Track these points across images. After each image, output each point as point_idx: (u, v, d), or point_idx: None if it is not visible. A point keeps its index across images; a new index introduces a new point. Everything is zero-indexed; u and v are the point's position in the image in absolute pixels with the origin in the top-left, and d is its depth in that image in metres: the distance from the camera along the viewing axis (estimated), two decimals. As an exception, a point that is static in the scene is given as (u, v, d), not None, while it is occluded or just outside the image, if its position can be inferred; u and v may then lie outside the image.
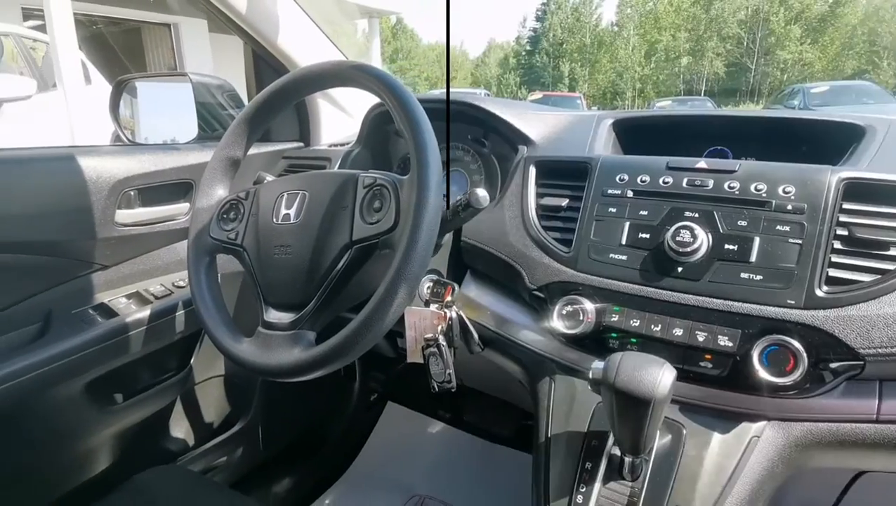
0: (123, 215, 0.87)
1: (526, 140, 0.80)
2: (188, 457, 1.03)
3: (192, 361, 1.00)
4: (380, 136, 0.99)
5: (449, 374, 0.72)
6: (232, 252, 0.71)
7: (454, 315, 0.72)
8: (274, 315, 0.66)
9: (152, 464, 0.79)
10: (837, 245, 0.54)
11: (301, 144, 1.14)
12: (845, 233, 0.54)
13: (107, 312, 0.85)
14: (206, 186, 0.74)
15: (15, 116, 3.40)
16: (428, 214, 0.55)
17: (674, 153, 0.69)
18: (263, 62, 1.01)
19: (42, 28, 4.04)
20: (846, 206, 0.55)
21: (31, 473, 0.81)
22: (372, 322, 0.55)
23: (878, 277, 0.51)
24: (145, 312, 0.87)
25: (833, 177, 0.55)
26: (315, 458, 1.26)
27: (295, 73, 0.69)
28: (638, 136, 0.83)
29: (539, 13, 40.46)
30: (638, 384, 0.47)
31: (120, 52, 10.39)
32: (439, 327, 0.72)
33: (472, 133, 0.90)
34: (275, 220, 0.67)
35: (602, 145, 0.77)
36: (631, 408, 0.47)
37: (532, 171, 0.74)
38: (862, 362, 0.50)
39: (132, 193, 0.88)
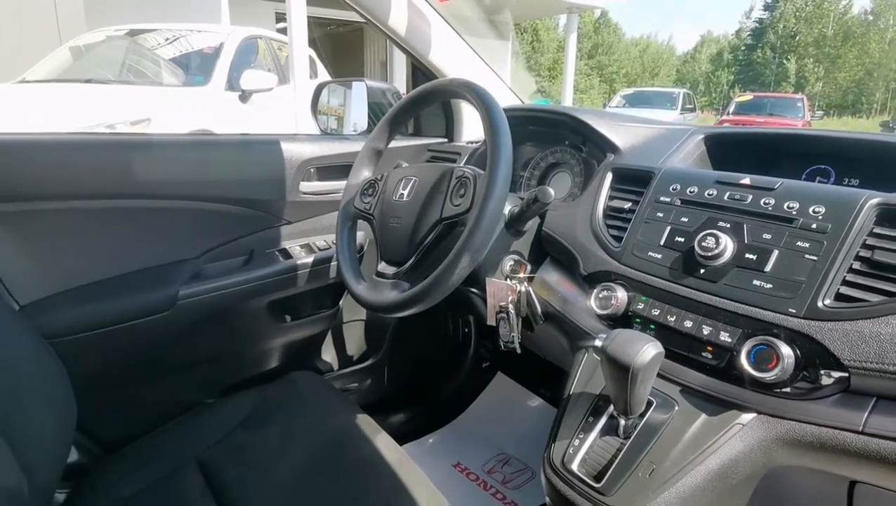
0: (305, 186, 1.19)
1: (614, 148, 0.90)
2: (330, 376, 1.34)
3: (340, 302, 1.30)
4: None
5: (513, 336, 0.88)
6: (365, 219, 0.96)
7: (523, 290, 0.87)
8: (383, 267, 0.88)
9: None
10: (857, 266, 0.56)
11: (445, 140, 1.36)
12: (868, 255, 0.56)
13: (286, 254, 1.17)
14: (356, 168, 0.99)
15: (261, 105, 4.28)
16: (491, 202, 0.72)
17: (769, 170, 0.74)
18: (419, 71, 1.25)
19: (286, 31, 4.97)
20: (877, 230, 0.57)
21: (223, 356, 1.16)
22: (441, 280, 0.74)
23: (885, 298, 0.53)
24: (311, 259, 1.18)
25: (867, 201, 0.58)
26: (427, 404, 1.50)
27: (417, 90, 0.90)
28: (732, 151, 0.87)
29: (769, 1, 35.72)
30: (623, 354, 0.58)
31: (344, 49, 12.01)
32: (510, 298, 0.88)
33: (571, 140, 1.02)
34: (394, 197, 0.89)
35: (681, 158, 0.84)
36: (616, 372, 0.59)
37: (609, 176, 0.85)
38: (847, 375, 0.53)
39: (312, 170, 1.19)
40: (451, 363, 1.57)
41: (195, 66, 4.38)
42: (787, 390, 0.57)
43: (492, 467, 1.36)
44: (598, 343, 0.62)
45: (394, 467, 0.82)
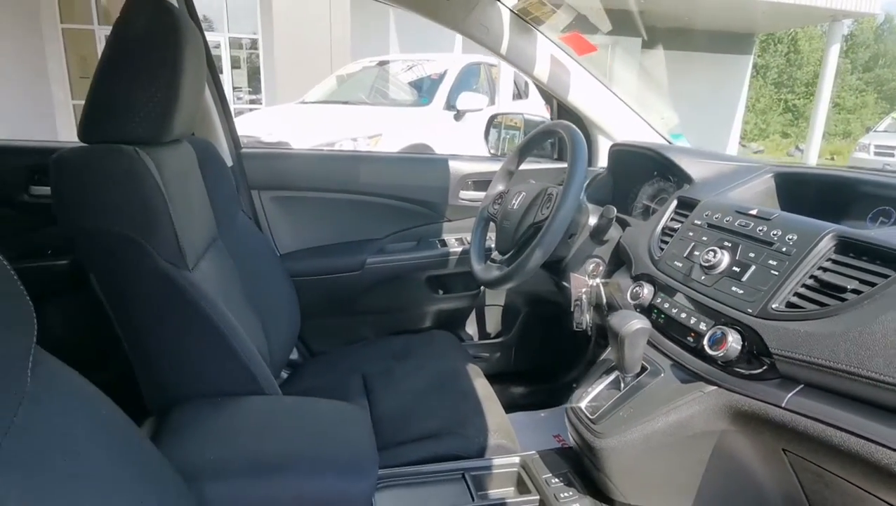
0: (463, 194, 1.58)
1: (689, 180, 1.09)
2: (467, 344, 1.71)
3: (482, 287, 1.67)
4: (619, 166, 1.39)
5: (582, 321, 1.13)
6: (492, 221, 1.30)
7: (594, 284, 1.12)
8: (495, 255, 1.22)
9: None
10: (809, 282, 0.71)
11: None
12: (820, 274, 0.71)
13: (443, 243, 1.58)
14: (493, 183, 1.35)
15: (472, 123, 4.91)
16: (560, 215, 1.00)
17: (835, 210, 0.87)
18: (561, 107, 1.54)
19: (503, 59, 5.54)
20: (833, 256, 0.71)
21: (391, 310, 1.61)
22: (521, 266, 1.05)
23: (818, 308, 0.68)
24: (460, 249, 1.56)
25: (827, 233, 0.72)
26: (545, 384, 1.76)
27: (534, 131, 1.22)
28: (800, 190, 0.99)
29: None
30: (617, 325, 0.82)
31: (564, 68, 12.34)
32: (584, 291, 1.13)
33: (661, 171, 1.22)
34: (509, 206, 1.22)
35: (744, 192, 0.99)
36: (612, 338, 0.83)
37: (674, 202, 1.05)
38: (771, 360, 0.70)
39: (469, 182, 1.58)
40: (572, 353, 1.81)
41: (424, 89, 5.22)
42: (741, 370, 0.75)
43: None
44: (610, 320, 0.87)
45: (483, 401, 1.14)
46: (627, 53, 11.55)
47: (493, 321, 1.75)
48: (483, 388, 1.20)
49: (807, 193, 0.98)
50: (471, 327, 1.75)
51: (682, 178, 1.11)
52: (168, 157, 0.88)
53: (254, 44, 9.03)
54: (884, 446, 0.58)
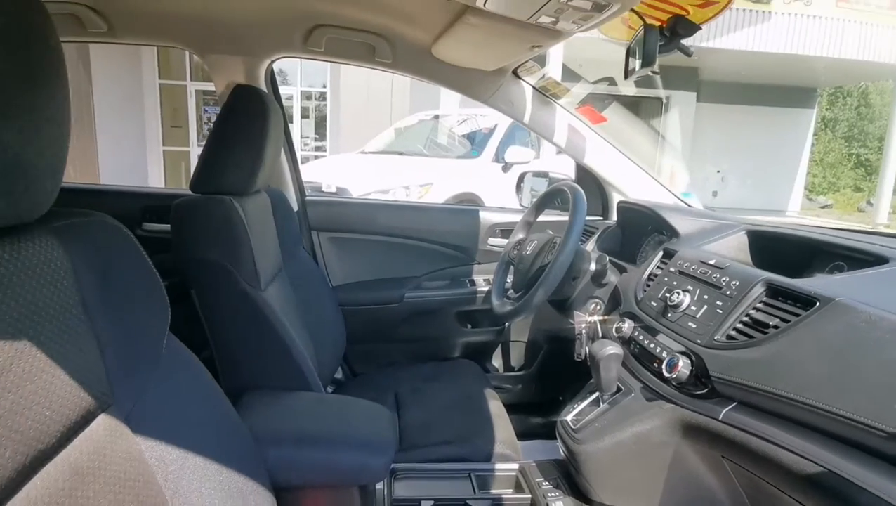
0: (492, 240, 1.81)
1: (675, 233, 1.27)
2: (491, 375, 1.89)
3: (506, 324, 1.86)
4: (626, 221, 1.58)
5: (582, 352, 1.30)
6: (511, 264, 1.51)
7: (591, 320, 1.29)
8: (511, 293, 1.43)
9: None
10: (745, 319, 0.88)
11: (600, 218, 1.82)
12: (752, 312, 0.87)
13: (472, 283, 1.80)
14: (514, 232, 1.56)
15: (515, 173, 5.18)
16: (559, 260, 1.20)
17: (801, 264, 1.03)
18: (579, 167, 1.76)
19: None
20: (765, 299, 0.88)
21: (425, 339, 1.82)
22: (528, 302, 1.25)
23: (747, 339, 0.85)
24: (486, 288, 1.77)
25: (760, 280, 0.89)
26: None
27: (544, 192, 1.43)
28: (770, 246, 1.15)
29: None
30: (594, 351, 1.01)
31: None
32: (584, 326, 1.31)
33: (655, 225, 1.39)
34: (524, 252, 1.43)
35: (720, 246, 1.16)
36: (593, 362, 1.02)
37: (660, 253, 1.23)
38: (711, 382, 0.86)
39: (497, 230, 1.80)
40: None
41: (476, 142, 5.56)
42: (691, 389, 0.91)
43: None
44: (590, 348, 1.05)
45: (494, 418, 1.32)
46: (682, 107, 11.65)
47: (517, 355, 1.93)
48: (497, 408, 1.39)
49: (776, 248, 1.14)
50: (497, 360, 1.94)
51: (671, 232, 1.29)
52: (251, 204, 1.17)
53: (322, 95, 9.81)
54: (794, 452, 0.74)
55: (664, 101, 11.81)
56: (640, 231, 1.52)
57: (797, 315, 0.81)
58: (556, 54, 5.49)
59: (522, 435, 1.38)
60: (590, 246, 1.58)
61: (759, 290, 0.90)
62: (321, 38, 1.42)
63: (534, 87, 1.57)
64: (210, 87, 9.26)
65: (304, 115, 10.22)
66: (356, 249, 1.78)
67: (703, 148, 11.98)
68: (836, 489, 0.67)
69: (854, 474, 0.65)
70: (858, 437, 0.66)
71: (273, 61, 1.53)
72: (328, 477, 0.90)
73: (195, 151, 9.09)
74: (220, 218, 1.05)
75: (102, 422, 0.59)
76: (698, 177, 11.68)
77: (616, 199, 1.76)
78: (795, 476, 0.74)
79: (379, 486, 1.06)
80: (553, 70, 5.18)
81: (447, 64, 1.45)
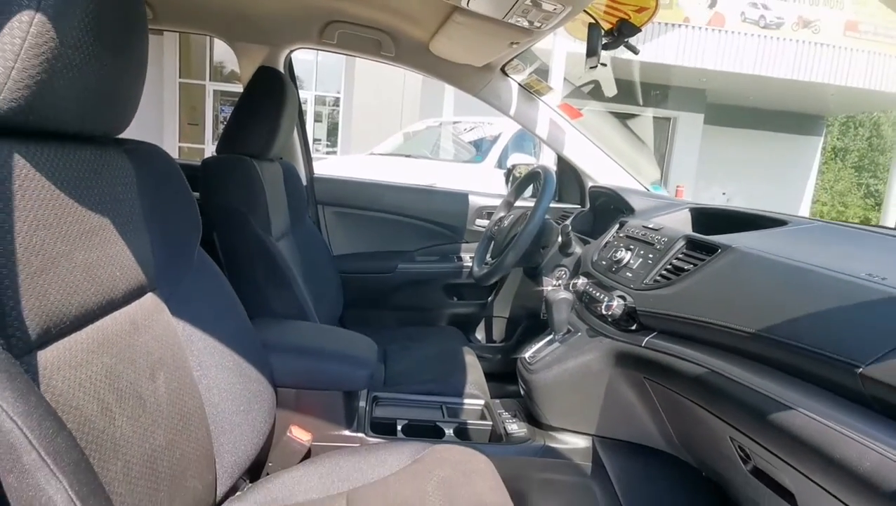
0: (478, 221, 2.00)
1: (632, 210, 1.46)
2: (474, 344, 2.07)
3: (489, 298, 2.05)
4: (596, 203, 1.77)
5: (544, 312, 1.49)
6: (492, 238, 1.70)
7: (555, 283, 1.48)
8: (488, 259, 1.62)
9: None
10: (668, 266, 1.07)
11: (579, 207, 2.01)
12: (675, 261, 1.06)
13: (459, 259, 1.99)
14: (496, 211, 1.76)
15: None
16: (528, 228, 1.39)
17: (724, 233, 1.22)
18: (560, 160, 1.95)
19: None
20: (685, 250, 1.06)
21: (415, 308, 2.02)
22: (500, 266, 1.44)
23: (667, 281, 1.03)
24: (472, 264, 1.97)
25: (682, 235, 1.08)
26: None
27: (524, 175, 1.63)
28: (708, 220, 1.34)
29: None
30: (548, 296, 1.20)
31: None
32: (550, 289, 1.50)
33: (617, 205, 1.59)
34: (502, 226, 1.62)
35: (665, 219, 1.35)
36: (546, 305, 1.21)
37: (617, 225, 1.42)
38: (638, 317, 1.04)
39: (484, 212, 2.00)
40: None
41: (482, 149, 5.78)
42: (623, 325, 1.10)
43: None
44: (545, 293, 1.24)
45: (469, 368, 1.50)
46: (689, 127, 11.85)
47: (499, 329, 2.11)
48: (472, 361, 1.57)
49: (711, 222, 1.32)
50: (479, 333, 2.13)
51: (629, 209, 1.49)
52: (267, 169, 1.37)
53: (336, 102, 10.10)
54: (690, 361, 0.92)
55: (671, 122, 12.02)
56: (609, 215, 1.72)
57: (703, 259, 1.00)
58: (558, 71, 5.73)
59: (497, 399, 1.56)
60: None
61: (680, 243, 1.09)
62: (334, 32, 1.63)
63: (519, 84, 1.78)
64: (228, 87, 9.59)
65: (318, 119, 10.52)
66: (357, 224, 1.98)
67: (710, 169, 12.15)
68: (716, 385, 0.86)
69: (730, 372, 0.84)
70: (734, 342, 0.85)
71: (292, 51, 1.75)
72: (318, 382, 1.09)
73: (210, 148, 9.40)
74: (241, 172, 1.26)
75: (150, 299, 0.79)
76: (704, 197, 11.83)
77: (589, 186, 1.96)
78: (691, 381, 0.92)
79: (362, 403, 1.25)
80: (555, 83, 5.40)
81: (443, 59, 1.66)
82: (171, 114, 9.03)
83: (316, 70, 9.86)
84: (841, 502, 0.65)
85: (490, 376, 1.63)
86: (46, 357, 0.57)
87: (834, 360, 0.66)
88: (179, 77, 9.14)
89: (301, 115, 1.83)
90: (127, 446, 0.65)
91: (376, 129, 7.57)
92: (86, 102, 0.62)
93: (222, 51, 9.38)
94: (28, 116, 0.54)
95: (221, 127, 9.63)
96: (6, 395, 0.45)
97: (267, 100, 1.35)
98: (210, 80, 9.43)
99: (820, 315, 0.72)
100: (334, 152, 10.08)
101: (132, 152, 0.79)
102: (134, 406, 0.68)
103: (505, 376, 2.09)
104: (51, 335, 0.58)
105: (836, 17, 9.66)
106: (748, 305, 0.84)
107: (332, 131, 10.29)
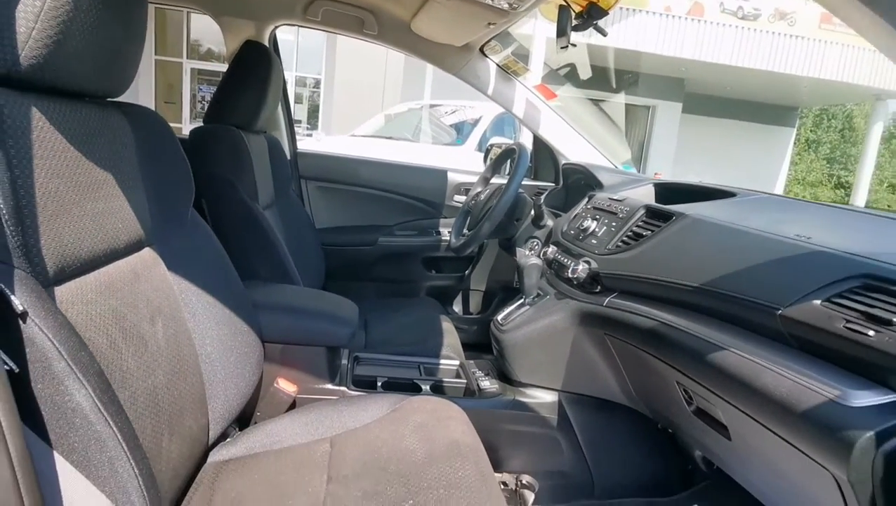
0: (457, 197, 2.08)
1: (601, 185, 1.55)
2: (452, 316, 2.16)
3: (467, 272, 2.14)
4: (568, 180, 1.86)
5: (517, 281, 1.58)
6: (469, 212, 1.79)
7: (528, 253, 1.57)
8: (465, 231, 1.70)
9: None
10: (629, 234, 1.16)
11: (553, 185, 2.10)
12: (635, 228, 1.16)
13: (438, 233, 2.07)
14: (474, 186, 1.84)
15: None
16: (503, 200, 1.47)
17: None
18: (537, 139, 2.04)
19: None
20: (644, 218, 1.16)
21: (396, 279, 2.10)
22: (476, 234, 1.52)
23: (627, 246, 1.13)
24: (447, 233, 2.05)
25: (642, 205, 1.17)
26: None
27: (500, 151, 1.71)
28: (669, 194, 1.44)
29: None
30: (519, 262, 1.29)
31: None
32: (523, 260, 1.59)
33: (587, 180, 1.68)
34: (478, 199, 1.70)
35: (630, 192, 1.45)
36: (517, 271, 1.30)
37: (586, 199, 1.51)
38: (601, 279, 1.14)
39: (462, 188, 2.08)
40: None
41: (463, 133, 5.84)
42: (587, 287, 1.19)
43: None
44: (517, 259, 1.33)
45: (445, 333, 1.59)
46: (667, 116, 12.04)
47: (475, 302, 2.21)
48: (448, 327, 1.66)
49: (672, 196, 1.42)
50: (457, 306, 2.21)
51: (598, 184, 1.58)
52: (253, 140, 1.43)
53: (317, 83, 10.02)
54: (644, 316, 1.02)
55: (650, 110, 12.20)
56: (581, 192, 1.81)
57: (660, 226, 1.10)
58: (538, 55, 5.80)
59: None
60: None
61: (641, 212, 1.18)
62: (319, 9, 1.68)
63: (497, 65, 1.84)
64: (206, 66, 9.44)
65: (298, 101, 10.42)
66: (339, 198, 2.04)
67: (687, 157, 12.38)
68: (666, 335, 0.96)
69: (677, 323, 0.94)
70: (681, 297, 0.95)
71: (276, 27, 1.79)
72: (303, 337, 1.17)
73: (187, 127, 9.26)
74: (229, 141, 1.31)
75: (148, 252, 0.85)
76: (679, 184, 12.05)
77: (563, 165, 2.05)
78: (645, 333, 1.02)
79: (344, 361, 1.33)
80: (535, 68, 5.47)
81: (423, 39, 1.72)
82: (147, 91, 8.86)
83: (297, 51, 9.75)
84: (763, 425, 0.75)
85: (466, 346, 1.72)
86: (63, 292, 0.63)
87: (759, 304, 0.76)
88: (155, 54, 8.96)
89: (285, 90, 1.88)
90: (132, 379, 0.72)
91: (357, 110, 7.56)
92: (94, 63, 0.68)
93: (199, 28, 9.22)
94: (45, 73, 0.60)
95: (200, 106, 9.49)
96: (38, 312, 0.51)
97: (253, 73, 1.40)
98: (187, 58, 9.27)
99: (751, 269, 0.82)
100: (310, 135, 10.03)
101: (129, 114, 0.85)
102: (137, 345, 0.75)
103: (480, 347, 2.19)
104: (65, 274, 0.65)
105: (811, 10, 9.85)
106: (694, 264, 0.94)
107: (313, 114, 10.21)
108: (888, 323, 0.61)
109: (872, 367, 0.63)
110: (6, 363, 0.46)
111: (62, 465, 0.50)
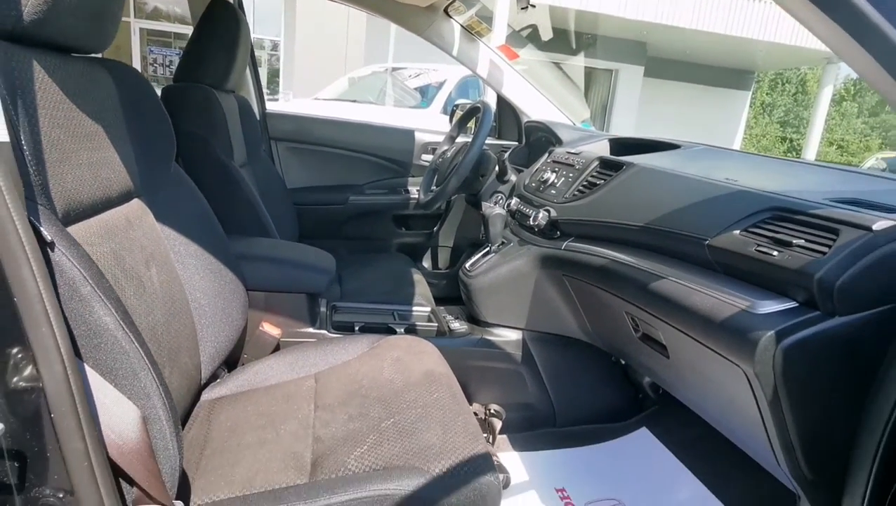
0: (424, 156, 2.15)
1: (561, 141, 1.65)
2: (422, 271, 2.25)
3: (435, 228, 2.22)
4: (531, 137, 1.96)
5: (482, 233, 1.68)
6: (436, 169, 1.86)
7: (492, 206, 1.67)
8: (433, 187, 1.78)
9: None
10: (585, 183, 1.27)
11: (517, 144, 2.19)
12: (589, 178, 1.26)
13: (407, 191, 2.15)
14: (440, 144, 1.91)
15: (465, 127, 5.51)
16: (468, 156, 1.55)
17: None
18: (500, 99, 2.11)
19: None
20: (598, 169, 1.27)
21: (367, 235, 2.18)
22: (444, 189, 1.60)
23: (582, 195, 1.24)
24: (419, 196, 2.13)
25: (596, 156, 1.28)
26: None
27: (467, 107, 1.78)
28: (624, 147, 1.55)
29: None
30: (485, 211, 1.39)
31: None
32: (488, 213, 1.69)
33: (548, 136, 1.78)
34: (445, 157, 1.78)
35: (587, 147, 1.55)
36: (483, 221, 1.39)
37: (547, 154, 1.60)
38: (559, 226, 1.25)
39: (429, 147, 2.15)
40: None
41: (428, 96, 5.83)
42: (547, 233, 1.30)
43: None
44: (482, 210, 1.43)
45: (416, 284, 1.69)
46: (630, 79, 12.18)
47: (444, 257, 2.31)
48: (419, 278, 1.76)
49: (625, 150, 1.54)
50: (426, 262, 2.31)
51: (558, 140, 1.68)
52: (225, 99, 1.46)
53: (275, 46, 9.69)
54: (597, 256, 1.13)
55: (613, 73, 12.32)
56: (542, 149, 1.91)
57: (611, 175, 1.21)
58: (501, 17, 5.81)
59: None
60: None
61: (595, 163, 1.29)
62: (283, -33, 1.68)
63: (462, 26, 1.90)
64: (157, 26, 9.01)
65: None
66: (309, 159, 2.08)
67: (648, 121, 12.63)
68: (615, 271, 1.08)
69: (625, 259, 1.05)
70: (628, 236, 1.07)
71: (240, -15, 1.79)
72: (284, 285, 1.25)
73: (141, 92, 8.85)
74: (201, 99, 1.34)
75: (137, 203, 0.91)
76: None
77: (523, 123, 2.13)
78: (598, 270, 1.14)
79: (322, 309, 1.41)
80: (499, 30, 5.48)
81: (388, -2, 1.75)
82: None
83: (253, 11, 9.39)
84: (692, 338, 0.88)
85: (436, 300, 1.82)
86: (73, 232, 0.69)
87: (691, 237, 0.88)
88: (102, 13, 8.47)
89: (252, 51, 1.89)
90: (136, 315, 0.79)
91: (319, 74, 7.41)
92: (85, 18, 0.72)
93: (148, -15, 8.74)
94: (44, 29, 0.65)
95: (151, 69, 9.09)
96: (64, 243, 0.58)
97: (222, 31, 1.42)
98: (135, 17, 8.81)
99: (686, 208, 0.94)
100: (275, 101, 9.77)
101: (112, 70, 0.89)
102: (136, 285, 0.82)
103: (449, 300, 2.31)
104: (70, 218, 0.71)
105: (767, -27, 10.02)
106: (640, 206, 1.06)
107: (272, 80, 9.90)
108: (788, 244, 0.74)
109: (776, 281, 0.76)
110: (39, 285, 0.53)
111: (93, 376, 0.58)
